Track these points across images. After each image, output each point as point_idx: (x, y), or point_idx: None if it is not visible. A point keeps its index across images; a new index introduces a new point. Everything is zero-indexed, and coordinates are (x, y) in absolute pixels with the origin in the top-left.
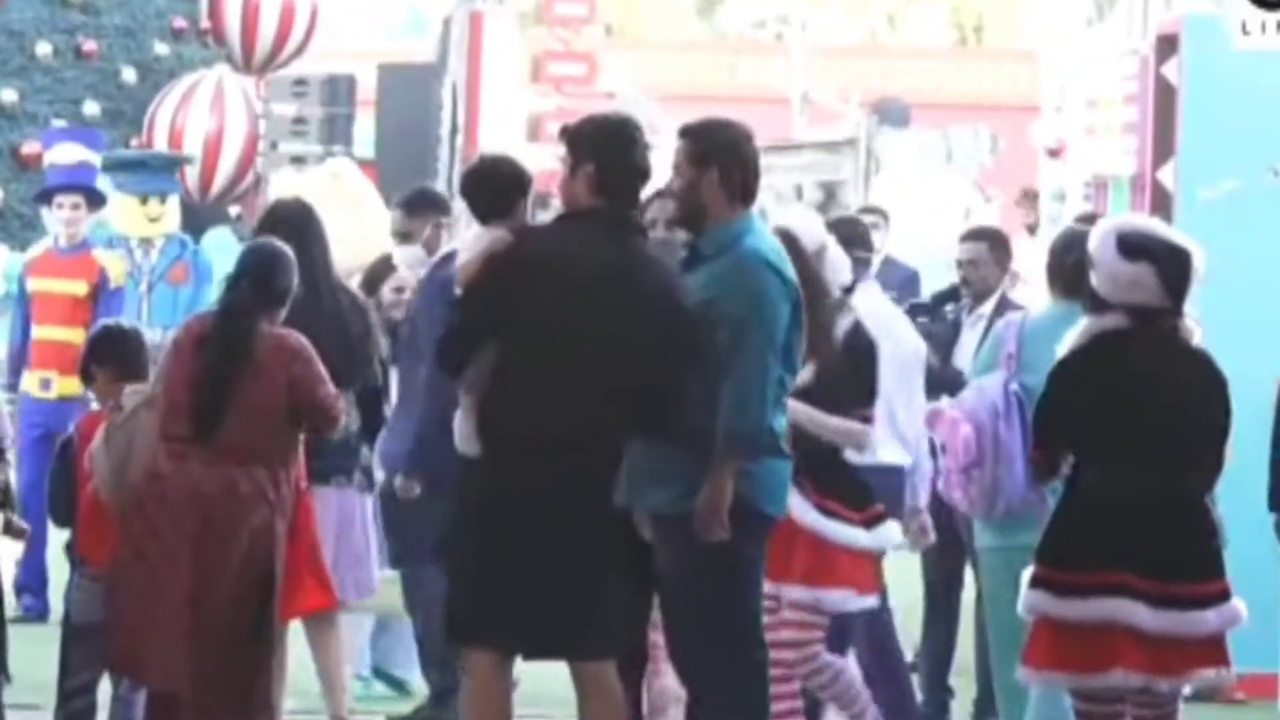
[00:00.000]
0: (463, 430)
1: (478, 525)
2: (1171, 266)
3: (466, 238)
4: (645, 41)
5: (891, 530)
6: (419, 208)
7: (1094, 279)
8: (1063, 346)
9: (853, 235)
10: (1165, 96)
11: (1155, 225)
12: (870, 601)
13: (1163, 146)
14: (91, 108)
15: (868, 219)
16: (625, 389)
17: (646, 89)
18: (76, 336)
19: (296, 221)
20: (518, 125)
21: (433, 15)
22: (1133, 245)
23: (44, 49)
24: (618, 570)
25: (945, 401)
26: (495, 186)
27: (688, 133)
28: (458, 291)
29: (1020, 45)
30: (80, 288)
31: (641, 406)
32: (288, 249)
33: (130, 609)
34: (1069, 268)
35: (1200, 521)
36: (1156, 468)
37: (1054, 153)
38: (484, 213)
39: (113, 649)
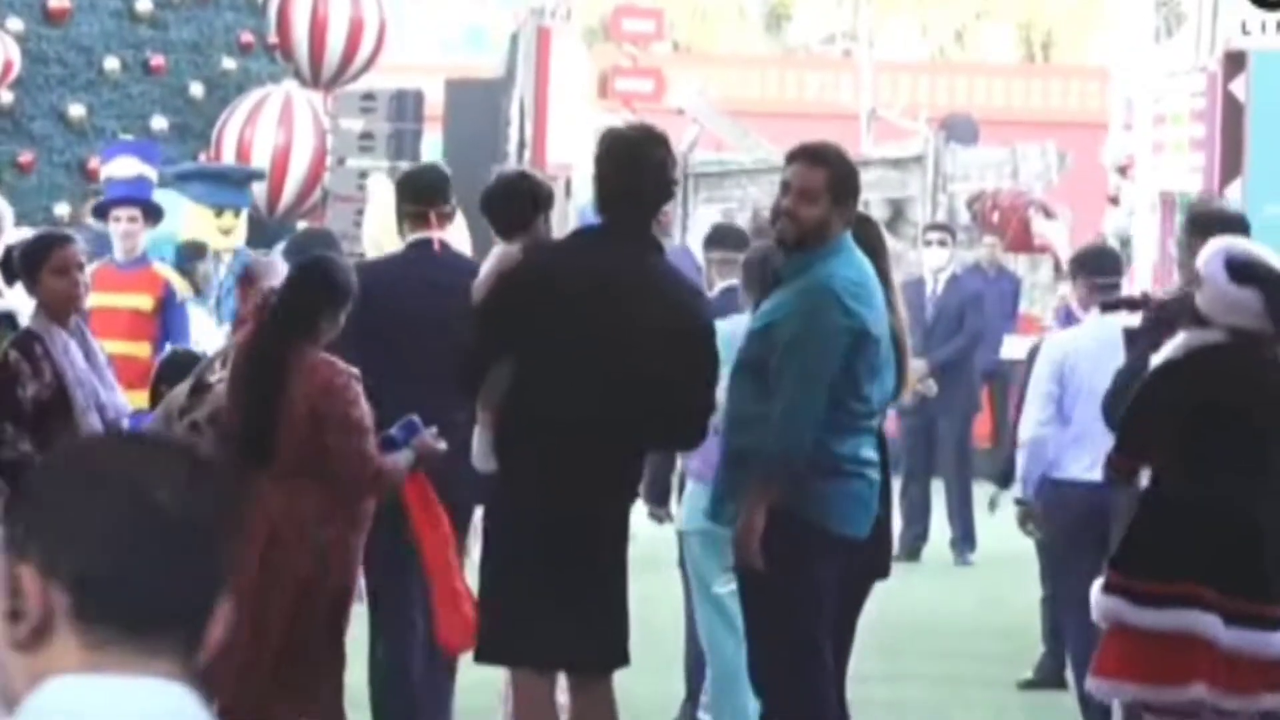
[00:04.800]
0: (480, 447)
1: (500, 543)
2: (1277, 294)
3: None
4: (713, 57)
5: None
6: None
7: (1199, 298)
8: (1158, 357)
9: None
10: (1233, 113)
11: (1262, 251)
12: None
13: (1230, 163)
14: (159, 122)
15: (934, 235)
16: (634, 402)
17: (715, 104)
18: (141, 350)
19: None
20: (586, 141)
21: (493, 31)
22: (1242, 269)
23: (112, 64)
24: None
25: None
26: (511, 202)
27: (826, 161)
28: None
29: (1089, 62)
30: (144, 301)
31: (651, 420)
32: (327, 259)
33: None
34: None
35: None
36: (1238, 485)
37: (1122, 170)
38: (503, 229)
39: None
